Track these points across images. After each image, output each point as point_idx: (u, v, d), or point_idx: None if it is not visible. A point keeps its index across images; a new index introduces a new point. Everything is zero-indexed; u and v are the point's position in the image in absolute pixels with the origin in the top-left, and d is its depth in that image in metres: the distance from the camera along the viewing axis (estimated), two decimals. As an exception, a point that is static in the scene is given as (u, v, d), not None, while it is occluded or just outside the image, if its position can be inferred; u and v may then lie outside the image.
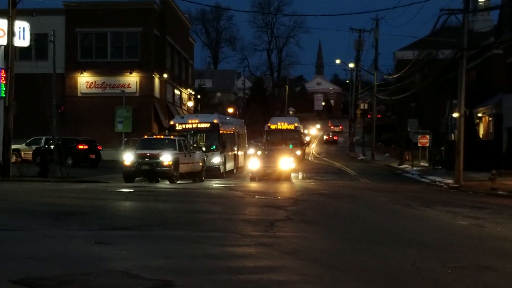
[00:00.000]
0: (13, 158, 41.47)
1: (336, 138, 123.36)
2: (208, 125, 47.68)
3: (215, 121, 48.05)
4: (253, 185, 38.09)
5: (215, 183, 40.00)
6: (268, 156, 43.33)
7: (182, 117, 52.87)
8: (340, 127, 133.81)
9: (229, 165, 51.62)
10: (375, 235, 17.64)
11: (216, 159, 46.93)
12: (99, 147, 54.17)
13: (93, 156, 52.60)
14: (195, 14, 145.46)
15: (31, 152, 51.79)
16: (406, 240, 16.82)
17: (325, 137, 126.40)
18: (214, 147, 47.36)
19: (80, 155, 51.32)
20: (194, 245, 14.96)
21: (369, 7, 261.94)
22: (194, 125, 47.77)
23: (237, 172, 55.39)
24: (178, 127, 47.21)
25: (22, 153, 53.46)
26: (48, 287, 10.49)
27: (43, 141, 52.36)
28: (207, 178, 43.56)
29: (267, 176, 41.14)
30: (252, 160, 43.59)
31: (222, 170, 48.13)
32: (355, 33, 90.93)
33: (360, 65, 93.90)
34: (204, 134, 48.28)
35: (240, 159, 57.77)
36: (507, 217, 23.07)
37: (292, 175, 46.31)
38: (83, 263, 12.41)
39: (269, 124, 70.48)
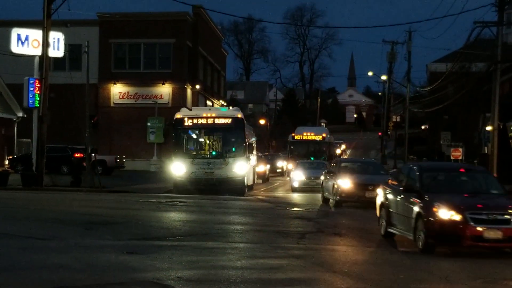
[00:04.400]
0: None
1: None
2: (229, 120, 35.93)
3: (239, 115, 36.36)
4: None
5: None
6: (361, 171, 31.14)
7: (191, 110, 39.38)
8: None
9: (249, 180, 39.78)
10: (409, 245, 17.52)
11: (241, 168, 35.10)
12: (77, 155, 47.23)
13: (85, 163, 44.40)
14: (228, 25, 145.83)
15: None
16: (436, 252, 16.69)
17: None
18: (234, 149, 36.17)
19: (76, 163, 44.76)
20: (225, 256, 14.98)
21: (402, 19, 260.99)
22: (210, 121, 35.66)
23: (250, 190, 41.71)
24: (188, 122, 35.50)
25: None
26: (80, 297, 10.59)
27: (33, 149, 49.56)
28: (223, 193, 34.65)
29: (364, 200, 28.10)
30: (340, 177, 28.77)
31: (246, 183, 36.97)
32: (387, 45, 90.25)
33: (392, 77, 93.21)
34: (223, 133, 36.72)
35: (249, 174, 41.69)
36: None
37: None
38: (115, 272, 12.49)
39: (293, 134, 62.70)
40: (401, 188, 18.04)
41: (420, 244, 15.92)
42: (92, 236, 17.62)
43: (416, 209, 16.37)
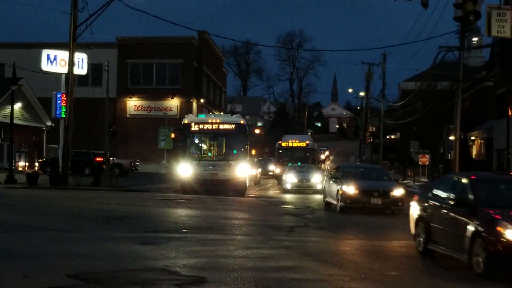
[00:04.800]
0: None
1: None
2: (232, 126, 33.27)
3: (242, 122, 34.10)
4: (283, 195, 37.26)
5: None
6: (365, 176, 26.89)
7: (196, 116, 37.77)
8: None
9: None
10: (382, 238, 17.49)
11: (242, 170, 32.69)
12: (98, 159, 47.73)
13: (105, 166, 42.84)
14: (228, 48, 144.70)
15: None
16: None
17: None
18: (236, 152, 33.44)
19: (96, 166, 44.40)
20: (225, 247, 14.94)
21: (378, 43, 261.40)
22: (215, 126, 33.09)
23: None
24: (194, 127, 33.10)
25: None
26: (99, 281, 10.52)
27: (60, 153, 45.45)
28: (227, 195, 32.14)
29: (370, 207, 23.90)
30: (344, 183, 24.51)
31: (246, 184, 34.95)
32: (365, 66, 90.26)
33: (369, 93, 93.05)
34: (226, 138, 33.71)
35: None
36: None
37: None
38: (129, 260, 12.43)
39: (280, 142, 59.26)
40: (450, 203, 13.47)
41: (481, 268, 11.87)
42: (110, 229, 17.60)
43: (471, 228, 12.31)
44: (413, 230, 15.58)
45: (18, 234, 15.70)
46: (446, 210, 13.74)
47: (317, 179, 39.79)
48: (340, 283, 11.21)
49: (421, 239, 14.80)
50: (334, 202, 25.34)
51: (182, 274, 11.29)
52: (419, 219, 15.23)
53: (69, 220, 19.45)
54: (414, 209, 15.70)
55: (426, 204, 15.04)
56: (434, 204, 14.62)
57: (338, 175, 26.18)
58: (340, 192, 23.68)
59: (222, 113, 67.35)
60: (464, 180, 14.12)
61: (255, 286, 10.67)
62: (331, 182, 26.81)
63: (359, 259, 14.06)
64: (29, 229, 16.82)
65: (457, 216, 13.06)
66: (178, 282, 10.65)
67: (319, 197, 33.73)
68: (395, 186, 23.99)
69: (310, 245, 15.93)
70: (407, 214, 17.20)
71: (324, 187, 28.47)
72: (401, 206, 23.00)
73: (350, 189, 23.50)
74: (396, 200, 22.47)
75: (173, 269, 11.67)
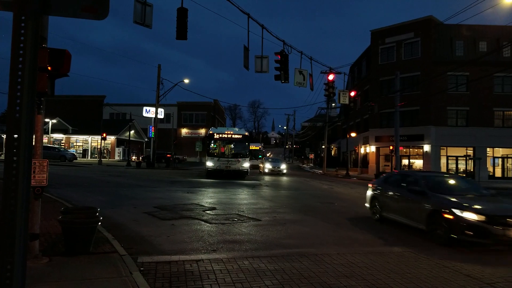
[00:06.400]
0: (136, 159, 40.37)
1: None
2: (240, 136, 24.61)
3: (246, 133, 25.15)
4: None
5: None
6: (464, 190, 7.31)
7: (216, 128, 26.60)
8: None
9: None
10: (294, 190, 17.40)
11: (246, 164, 24.20)
12: (168, 155, 42.93)
13: (171, 159, 38.91)
14: (226, 106, 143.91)
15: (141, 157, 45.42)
16: (304, 192, 16.59)
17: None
18: (242, 153, 24.59)
19: (167, 158, 40.14)
20: (224, 194, 14.69)
21: (292, 105, 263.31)
22: (229, 136, 24.64)
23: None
24: (216, 136, 24.58)
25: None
26: (167, 209, 10.22)
27: (151, 153, 41.56)
28: (237, 179, 23.56)
29: (504, 240, 5.59)
30: None
31: (247, 172, 26.37)
32: (286, 115, 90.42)
33: (288, 127, 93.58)
34: (236, 143, 24.78)
35: None
36: (343, 185, 22.80)
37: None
38: (182, 200, 12.11)
39: (250, 147, 52.44)
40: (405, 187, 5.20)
41: None
42: (173, 186, 17.18)
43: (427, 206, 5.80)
44: (368, 203, 9.58)
45: (130, 188, 15.26)
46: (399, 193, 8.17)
47: (283, 166, 31.24)
48: (276, 210, 11.02)
49: (375, 208, 9.12)
50: (408, 222, 7.67)
51: (205, 206, 11.06)
52: (372, 197, 9.39)
53: (154, 182, 19.00)
54: (368, 192, 9.77)
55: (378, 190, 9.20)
56: (385, 190, 8.82)
57: (413, 187, 7.75)
58: (447, 216, 6.19)
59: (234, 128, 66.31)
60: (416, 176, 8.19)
61: (237, 210, 10.49)
62: (393, 191, 8.52)
63: (285, 200, 13.94)
64: (135, 186, 16.34)
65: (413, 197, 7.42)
66: (203, 208, 10.42)
67: (285, 178, 27.33)
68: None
69: (262, 192, 15.74)
70: None
71: (375, 197, 9.40)
72: None
73: (469, 214, 5.86)
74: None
75: (201, 204, 11.39)
